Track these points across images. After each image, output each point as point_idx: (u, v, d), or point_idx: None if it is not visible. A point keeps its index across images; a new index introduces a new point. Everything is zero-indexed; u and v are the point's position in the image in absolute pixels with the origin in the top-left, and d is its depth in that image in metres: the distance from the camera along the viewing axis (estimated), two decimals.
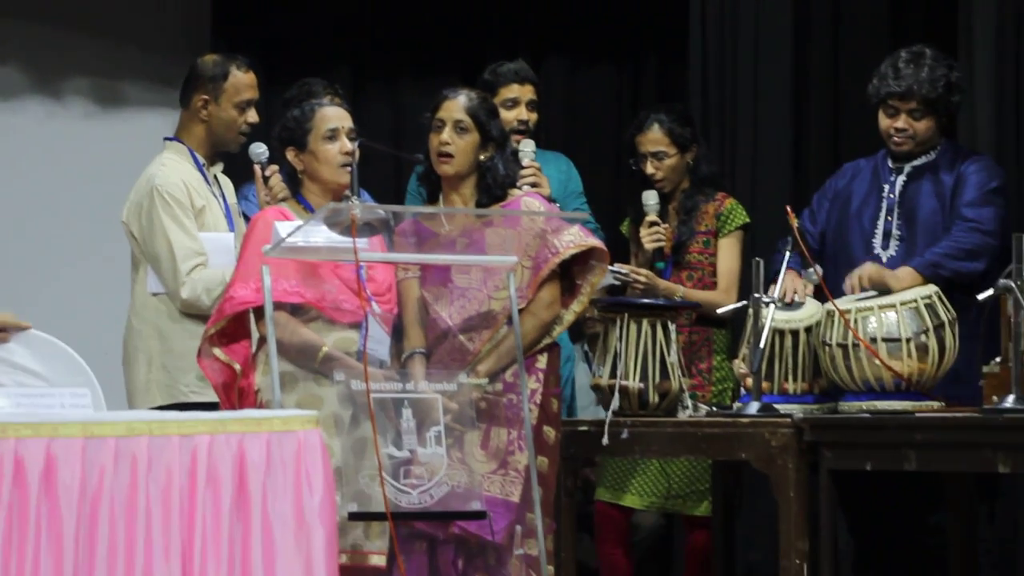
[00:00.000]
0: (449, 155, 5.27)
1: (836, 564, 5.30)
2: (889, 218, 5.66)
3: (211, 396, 5.23)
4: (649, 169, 6.12)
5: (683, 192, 6.15)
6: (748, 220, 6.14)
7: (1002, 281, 4.87)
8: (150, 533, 4.03)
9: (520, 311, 5.18)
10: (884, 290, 5.35)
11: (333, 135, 5.16)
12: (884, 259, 5.59)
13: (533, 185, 5.91)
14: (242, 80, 5.67)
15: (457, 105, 5.29)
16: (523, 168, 5.91)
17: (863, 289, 5.39)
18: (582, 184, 6.38)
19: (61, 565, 3.99)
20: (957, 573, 5.49)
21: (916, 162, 5.67)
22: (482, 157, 5.30)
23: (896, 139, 5.64)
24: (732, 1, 6.94)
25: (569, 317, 5.33)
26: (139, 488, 4.03)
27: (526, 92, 6.19)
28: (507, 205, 5.31)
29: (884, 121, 5.65)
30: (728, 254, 6.09)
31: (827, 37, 6.96)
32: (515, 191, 5.36)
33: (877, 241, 5.65)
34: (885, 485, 5.51)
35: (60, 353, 4.85)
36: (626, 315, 5.51)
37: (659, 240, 6.02)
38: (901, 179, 5.68)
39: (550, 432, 5.29)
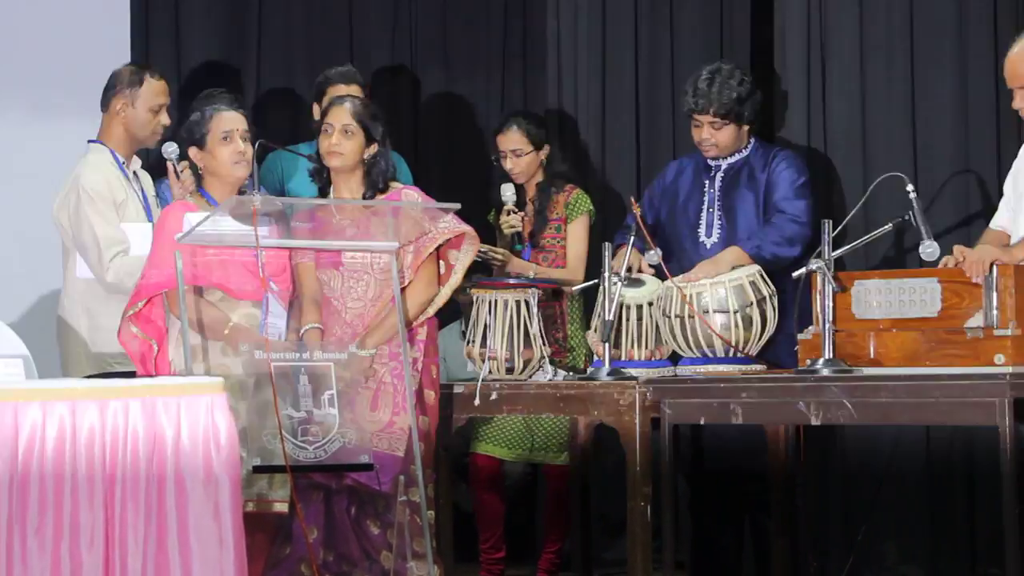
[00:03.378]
0: (339, 153, 5.22)
1: (676, 505, 5.32)
2: (711, 210, 5.68)
3: (132, 367, 5.16)
4: (508, 165, 6.12)
5: (538, 185, 6.15)
6: (592, 208, 6.15)
7: (813, 261, 4.90)
8: (76, 486, 3.97)
9: (402, 290, 5.16)
10: (715, 272, 5.37)
11: (228, 136, 5.11)
12: (708, 245, 5.61)
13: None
14: (155, 86, 5.60)
15: (344, 111, 5.26)
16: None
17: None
18: (412, 178, 6.32)
19: None
20: (777, 511, 5.51)
21: (730, 160, 5.68)
22: (366, 155, 5.26)
23: (704, 147, 5.66)
24: (586, 21, 6.93)
25: (445, 294, 5.32)
26: (65, 446, 3.97)
27: (352, 91, 6.06)
28: (390, 196, 5.28)
29: (693, 132, 5.67)
30: (576, 237, 6.09)
31: (664, 50, 6.97)
32: (396, 184, 5.34)
33: (702, 230, 5.66)
34: (716, 438, 5.52)
35: None
36: (494, 292, 5.49)
37: (516, 227, 6.01)
38: (719, 176, 5.70)
39: (430, 394, 5.27)
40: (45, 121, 7.66)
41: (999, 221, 5.09)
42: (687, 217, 5.68)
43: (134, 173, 5.65)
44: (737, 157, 5.68)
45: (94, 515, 3.98)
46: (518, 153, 6.11)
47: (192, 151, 5.14)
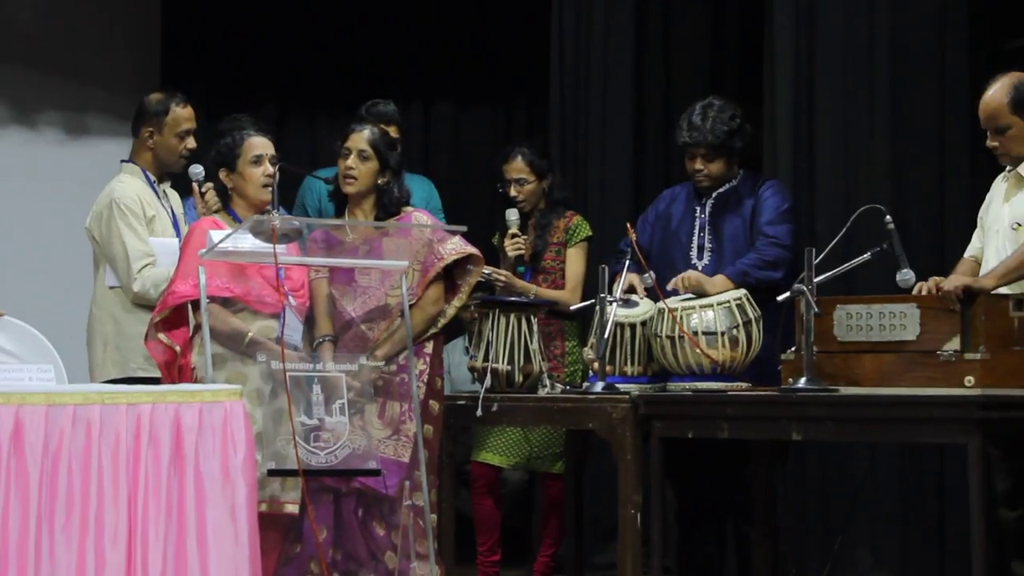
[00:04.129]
0: (353, 178, 5.24)
1: (664, 514, 5.32)
2: (702, 234, 5.68)
3: (156, 372, 5.16)
4: (512, 192, 6.12)
5: (539, 211, 6.15)
6: (591, 233, 6.15)
7: (796, 285, 4.90)
8: (101, 485, 3.98)
9: (411, 306, 5.16)
10: (702, 293, 5.38)
11: (258, 160, 5.12)
12: (699, 268, 5.61)
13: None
14: (181, 114, 5.59)
15: (362, 137, 5.27)
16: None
17: (686, 289, 5.41)
18: (441, 202, 6.35)
19: (27, 511, 3.93)
20: (760, 520, 5.51)
21: (720, 190, 5.69)
22: (380, 181, 5.28)
23: (698, 178, 5.67)
24: (585, 57, 6.95)
25: (451, 311, 5.32)
26: (92, 448, 3.98)
27: (390, 131, 6.12)
28: (400, 219, 5.28)
29: (687, 163, 5.68)
30: (574, 261, 6.10)
31: (660, 87, 7.01)
32: (407, 208, 5.34)
33: (693, 253, 5.67)
34: (703, 451, 5.52)
35: (29, 336, 4.79)
36: (497, 310, 5.49)
37: (519, 249, 6.02)
38: (710, 203, 5.70)
39: (435, 405, 5.26)
40: (79, 142, 7.74)
41: (971, 251, 5.11)
42: (679, 241, 5.69)
43: (164, 192, 5.67)
44: (727, 186, 5.69)
45: (118, 513, 3.99)
46: (522, 182, 6.12)
47: (223, 173, 5.15)
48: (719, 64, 7.10)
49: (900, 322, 4.75)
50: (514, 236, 6.02)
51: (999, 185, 5.03)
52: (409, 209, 5.35)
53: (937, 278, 4.78)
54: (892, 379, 4.74)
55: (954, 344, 4.63)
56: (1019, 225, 4.85)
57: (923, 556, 6.06)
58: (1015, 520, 4.90)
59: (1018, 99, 4.85)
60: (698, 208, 5.70)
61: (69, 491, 3.96)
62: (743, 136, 5.61)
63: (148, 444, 4.03)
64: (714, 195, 5.68)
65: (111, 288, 5.51)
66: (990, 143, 4.92)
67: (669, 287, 5.39)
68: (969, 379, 4.58)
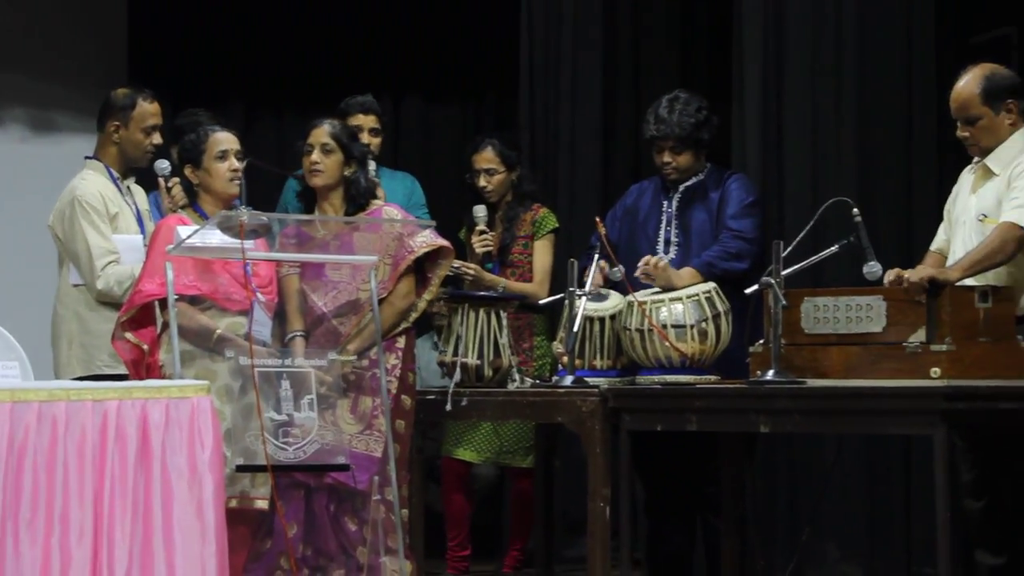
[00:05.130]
0: (320, 170, 5.24)
1: (633, 506, 5.32)
2: (668, 228, 5.69)
3: (122, 370, 5.14)
4: (481, 182, 6.11)
5: (507, 204, 6.15)
6: (558, 225, 6.15)
7: (764, 279, 4.91)
8: (67, 482, 3.96)
9: (381, 300, 5.15)
10: (669, 285, 5.38)
11: (223, 155, 5.10)
12: (666, 260, 5.62)
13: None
14: (148, 109, 5.56)
15: (323, 131, 5.26)
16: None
17: (653, 273, 5.39)
18: (424, 197, 6.35)
19: None
20: (729, 511, 5.52)
21: (687, 183, 5.70)
22: (347, 172, 5.27)
23: (666, 171, 5.67)
24: (554, 51, 6.95)
25: (422, 305, 5.31)
26: (58, 444, 3.96)
27: (369, 121, 6.14)
28: (371, 213, 5.28)
29: (655, 156, 5.68)
30: (542, 253, 6.09)
31: (629, 82, 7.02)
32: (377, 201, 5.34)
33: (660, 247, 5.67)
34: (672, 444, 5.53)
35: None
36: (466, 305, 5.48)
37: (487, 246, 6.01)
38: (677, 196, 5.71)
39: (407, 400, 5.25)
40: (45, 139, 7.69)
41: (937, 244, 5.13)
42: (646, 234, 5.69)
43: (128, 188, 5.64)
44: (694, 180, 5.70)
45: (84, 510, 3.97)
46: (491, 172, 6.11)
47: (188, 169, 5.13)
48: (688, 59, 7.12)
49: (866, 314, 4.77)
50: (482, 233, 6.01)
51: (966, 177, 5.05)
52: (379, 203, 5.35)
53: (899, 270, 4.79)
54: (859, 371, 4.75)
55: (919, 336, 4.64)
56: (986, 217, 4.87)
57: (890, 546, 6.09)
58: (980, 510, 4.92)
59: (989, 90, 4.87)
60: (665, 202, 5.71)
61: (34, 488, 3.94)
62: (710, 128, 5.62)
63: (114, 441, 4.02)
64: (681, 189, 5.69)
65: (75, 286, 5.48)
66: (960, 134, 4.94)
67: (638, 272, 5.38)
68: (935, 370, 4.59)
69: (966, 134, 4.92)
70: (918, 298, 4.66)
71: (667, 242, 5.65)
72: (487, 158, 6.11)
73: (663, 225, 5.68)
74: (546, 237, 6.10)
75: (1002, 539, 4.90)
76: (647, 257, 5.38)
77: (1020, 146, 4.89)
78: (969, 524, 4.94)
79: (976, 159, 4.99)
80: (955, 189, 5.10)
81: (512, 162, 6.13)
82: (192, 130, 5.19)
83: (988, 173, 4.94)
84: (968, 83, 4.90)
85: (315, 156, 5.24)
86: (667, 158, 5.62)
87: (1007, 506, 4.88)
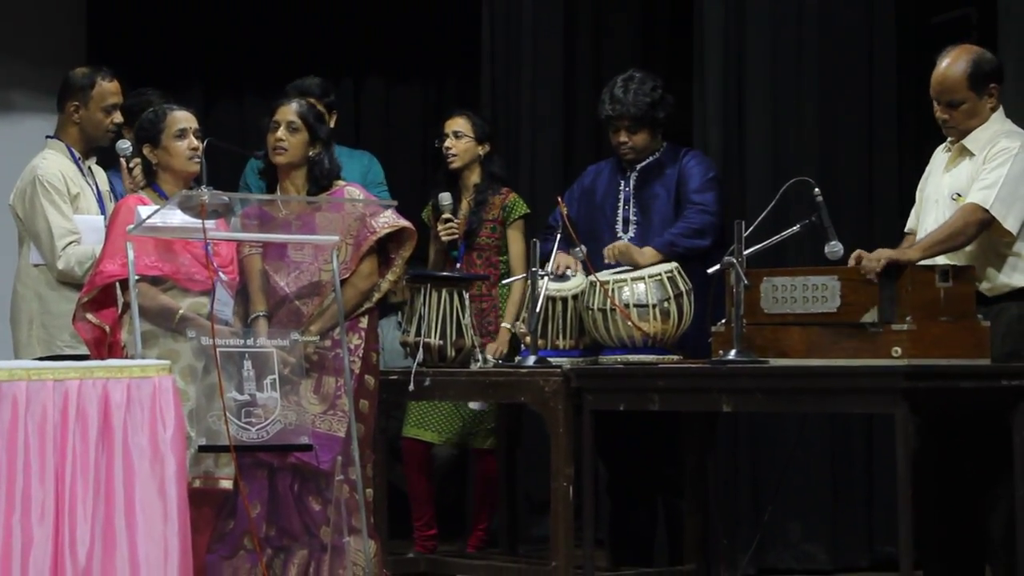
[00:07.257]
0: (284, 148, 5.22)
1: (595, 486, 5.33)
2: (626, 207, 5.69)
3: (83, 350, 5.10)
4: (448, 144, 6.06)
5: (476, 186, 6.11)
6: (528, 211, 6.13)
7: (727, 258, 4.91)
8: (28, 461, 3.94)
9: (344, 281, 5.15)
10: (632, 265, 5.39)
11: (182, 134, 5.07)
12: (625, 240, 5.62)
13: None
14: (107, 88, 5.52)
15: (290, 109, 5.25)
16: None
17: (617, 262, 5.41)
18: (383, 175, 6.32)
19: None
20: (691, 492, 5.53)
21: (644, 163, 5.70)
22: (311, 153, 5.25)
23: (622, 151, 5.67)
24: (515, 32, 6.94)
25: (385, 285, 5.31)
26: (19, 424, 3.94)
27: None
28: (333, 193, 5.26)
29: (611, 136, 5.68)
30: (515, 242, 6.04)
31: (590, 63, 7.01)
32: (340, 182, 5.32)
33: (619, 226, 5.68)
34: (634, 424, 5.54)
35: None
36: (429, 285, 5.48)
37: (453, 234, 5.99)
38: (634, 175, 5.71)
39: (370, 380, 5.25)
40: (3, 119, 7.62)
41: (911, 226, 5.11)
42: (604, 215, 5.69)
43: (89, 168, 5.60)
44: (651, 159, 5.70)
45: (45, 490, 3.94)
46: (459, 135, 6.07)
47: (146, 148, 5.09)
48: (649, 39, 7.11)
49: (822, 294, 4.78)
50: (447, 220, 5.99)
51: (940, 156, 5.01)
52: (341, 183, 5.33)
53: (860, 251, 4.80)
54: (820, 350, 4.76)
55: (872, 315, 4.66)
56: (959, 196, 4.85)
57: (852, 527, 6.13)
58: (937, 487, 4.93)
59: (976, 74, 4.81)
60: (622, 181, 5.71)
61: None
62: (666, 107, 5.62)
63: (76, 420, 3.99)
64: (638, 168, 5.69)
65: (35, 266, 5.44)
66: (940, 115, 4.88)
67: (605, 257, 5.39)
68: (896, 349, 4.61)
69: (946, 116, 4.86)
70: (871, 277, 4.66)
71: (625, 221, 5.66)
72: (458, 122, 6.07)
73: (621, 205, 5.68)
74: (516, 225, 6.04)
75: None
76: (606, 249, 5.38)
77: (997, 128, 4.87)
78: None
79: (951, 140, 4.95)
80: (928, 169, 5.07)
81: (483, 134, 6.08)
82: (142, 110, 5.16)
83: (964, 152, 4.89)
84: (955, 66, 4.82)
85: (280, 133, 5.21)
86: (623, 138, 5.62)
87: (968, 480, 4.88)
